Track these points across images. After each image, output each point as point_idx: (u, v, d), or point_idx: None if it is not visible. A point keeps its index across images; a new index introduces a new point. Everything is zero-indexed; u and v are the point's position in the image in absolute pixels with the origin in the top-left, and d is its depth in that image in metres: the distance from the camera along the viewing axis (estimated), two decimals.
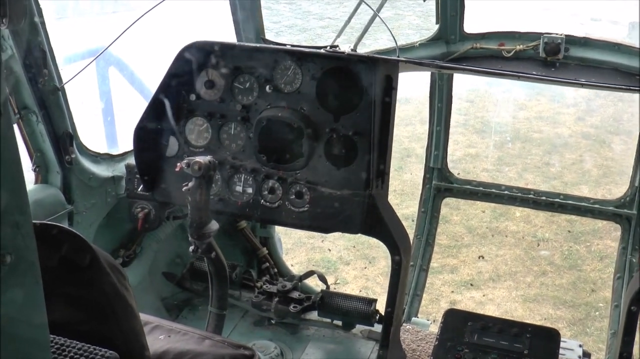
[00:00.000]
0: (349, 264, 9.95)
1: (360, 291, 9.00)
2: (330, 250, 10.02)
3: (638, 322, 4.24)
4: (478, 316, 4.55)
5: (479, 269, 10.14)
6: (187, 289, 5.39)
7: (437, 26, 5.24)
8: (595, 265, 10.31)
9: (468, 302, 9.39)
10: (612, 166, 12.46)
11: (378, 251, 9.96)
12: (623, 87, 4.87)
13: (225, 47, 4.44)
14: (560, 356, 4.37)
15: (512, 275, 10.11)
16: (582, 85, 4.71)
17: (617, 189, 11.59)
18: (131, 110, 7.12)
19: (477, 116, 12.39)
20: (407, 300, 5.90)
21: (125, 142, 5.18)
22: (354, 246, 10.06)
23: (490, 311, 9.11)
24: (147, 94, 5.90)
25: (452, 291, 9.46)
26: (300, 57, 4.33)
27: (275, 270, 5.52)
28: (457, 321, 4.48)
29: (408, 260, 4.79)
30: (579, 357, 5.26)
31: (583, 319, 9.25)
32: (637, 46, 5.01)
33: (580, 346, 5.43)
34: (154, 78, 4.75)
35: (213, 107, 4.49)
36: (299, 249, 9.88)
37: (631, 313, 4.21)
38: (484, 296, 9.59)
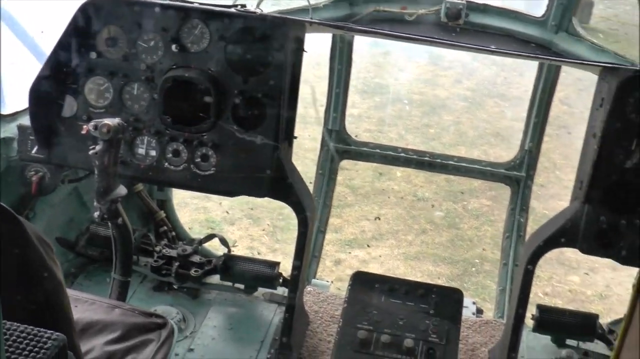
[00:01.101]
0: (233, 224, 9.87)
1: (246, 251, 8.96)
2: (220, 203, 9.90)
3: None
4: (385, 278, 4.58)
5: (362, 228, 10.28)
6: (82, 254, 5.16)
7: None
8: (472, 223, 10.65)
9: (352, 261, 9.52)
10: (487, 127, 12.89)
11: (262, 210, 9.93)
12: (527, 54, 4.96)
13: (128, 3, 4.21)
14: (458, 329, 4.44)
15: (394, 234, 10.31)
16: (492, 52, 4.76)
17: (492, 150, 12.05)
18: (21, 68, 6.73)
19: (359, 76, 12.46)
20: None
21: (15, 102, 4.82)
22: (238, 206, 9.97)
23: (374, 269, 9.26)
24: (40, 53, 5.54)
25: (337, 251, 9.54)
26: (209, 15, 4.16)
27: (174, 234, 5.36)
28: (365, 283, 4.50)
29: (314, 223, 4.76)
30: (474, 314, 5.43)
31: (461, 275, 9.57)
32: (534, 14, 5.11)
33: (473, 303, 5.62)
34: (49, 35, 4.45)
35: (115, 66, 4.26)
36: (182, 209, 9.69)
37: (528, 271, 4.34)
38: (367, 254, 9.74)
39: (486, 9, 5.09)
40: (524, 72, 13.90)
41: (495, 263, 9.45)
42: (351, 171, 10.86)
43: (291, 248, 9.04)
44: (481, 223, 10.63)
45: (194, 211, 9.81)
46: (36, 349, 1.94)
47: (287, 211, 9.56)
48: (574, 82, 12.11)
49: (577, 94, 12.81)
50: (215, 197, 9.89)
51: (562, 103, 9.67)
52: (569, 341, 4.90)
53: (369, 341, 4.15)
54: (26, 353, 1.92)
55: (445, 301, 4.43)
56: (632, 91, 3.88)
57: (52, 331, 2.03)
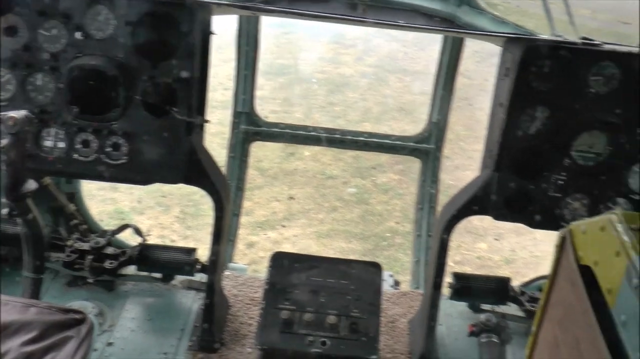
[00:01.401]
0: (143, 214, 9.73)
1: (158, 240, 8.84)
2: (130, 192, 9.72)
3: None
4: (305, 257, 4.59)
5: (273, 209, 10.31)
6: None
7: None
8: (381, 198, 10.83)
9: (265, 243, 9.54)
10: (391, 103, 13.06)
11: (172, 198, 9.81)
12: (433, 28, 5.02)
13: None
14: (380, 302, 4.49)
15: (305, 213, 10.39)
16: (400, 27, 4.80)
17: (397, 125, 12.22)
18: None
19: (262, 58, 12.49)
20: None
21: None
22: (147, 195, 9.82)
23: (287, 249, 9.29)
24: None
25: (249, 233, 9.54)
26: (113, 0, 4.04)
27: (85, 226, 5.20)
28: (284, 263, 4.50)
29: (229, 207, 4.72)
30: (391, 286, 5.51)
31: (373, 249, 9.74)
32: None
33: (390, 276, 5.70)
34: None
35: (16, 56, 4.09)
36: (88, 202, 9.50)
37: (443, 240, 4.43)
38: (280, 235, 9.78)
39: None
40: (424, 46, 14.18)
41: (405, 236, 9.65)
42: (259, 153, 10.84)
43: (202, 234, 9.01)
44: (390, 197, 10.81)
45: (100, 202, 9.60)
46: None
47: (197, 196, 9.60)
48: (472, 55, 12.38)
49: (476, 66, 13.12)
50: (122, 187, 9.73)
51: (462, 76, 9.84)
52: (484, 306, 5.03)
53: (292, 320, 4.16)
54: None
55: (364, 276, 4.47)
56: (535, 60, 3.99)
57: None
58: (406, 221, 9.95)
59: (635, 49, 4.09)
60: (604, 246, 1.80)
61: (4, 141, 3.65)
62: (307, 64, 14.10)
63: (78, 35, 4.03)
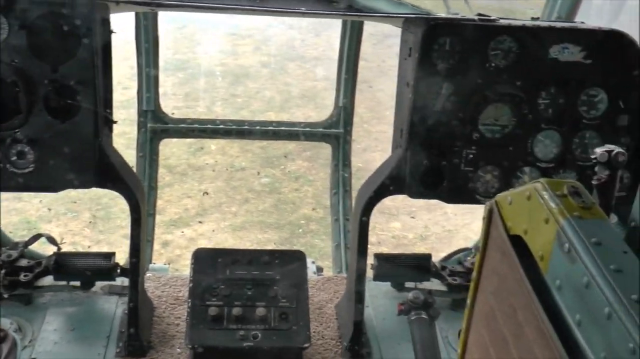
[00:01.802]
0: (51, 222, 9.49)
1: (70, 247, 8.63)
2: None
3: None
4: (227, 251, 4.56)
5: (184, 206, 10.23)
6: None
7: None
8: (292, 186, 10.87)
9: (180, 240, 9.47)
10: (292, 90, 13.09)
11: (81, 204, 9.60)
12: (335, 12, 5.03)
13: None
14: (307, 289, 4.52)
15: (217, 207, 10.35)
16: (301, 14, 4.79)
17: (300, 112, 12.25)
18: None
19: (160, 54, 12.41)
20: None
21: None
22: (55, 202, 9.57)
23: (203, 245, 9.24)
24: None
25: (163, 232, 9.43)
26: (5, 4, 3.90)
27: None
28: (207, 260, 4.46)
29: (145, 207, 4.64)
30: (314, 273, 5.53)
31: (289, 238, 9.78)
32: None
33: (313, 262, 5.73)
34: None
35: None
36: None
37: (363, 223, 4.47)
38: (194, 231, 9.71)
39: None
40: (320, 32, 14.25)
41: (320, 222, 9.71)
42: (165, 151, 10.70)
43: (115, 237, 8.82)
44: (301, 184, 10.87)
45: (4, 214, 9.29)
46: None
47: (106, 199, 9.40)
48: (368, 38, 12.48)
49: (373, 48, 13.24)
50: (27, 196, 9.45)
51: (360, 59, 10.00)
52: (408, 284, 5.10)
53: (221, 316, 4.14)
54: None
55: (289, 265, 4.48)
56: (436, 38, 4.07)
57: None
58: (319, 207, 10.03)
59: (528, 23, 4.23)
60: (532, 215, 1.85)
61: None
62: (206, 58, 14.00)
63: None
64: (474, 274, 2.17)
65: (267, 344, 4.04)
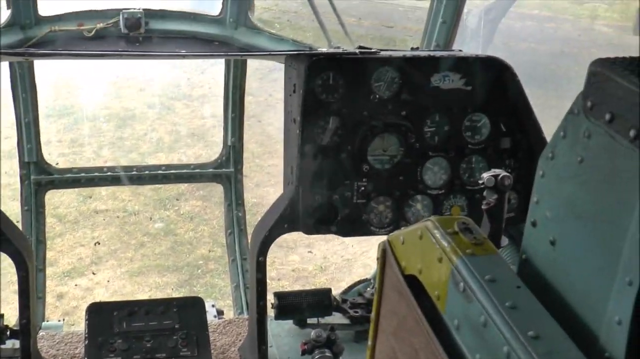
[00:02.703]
0: None
1: None
2: None
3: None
4: (122, 304, 4.40)
5: (78, 255, 9.95)
6: None
7: (9, 12, 4.81)
8: (187, 226, 10.74)
9: (75, 291, 9.19)
10: (181, 130, 12.97)
11: None
12: (214, 54, 5.00)
13: None
14: (208, 341, 4.41)
15: (112, 254, 10.11)
16: (181, 57, 4.73)
17: (191, 151, 12.14)
18: None
19: (40, 99, 12.23)
20: None
21: None
22: None
23: (101, 294, 9.01)
24: None
25: (57, 284, 9.13)
26: None
27: None
28: (102, 314, 4.28)
29: (33, 263, 4.43)
30: (215, 316, 5.40)
31: (188, 279, 9.63)
32: (211, 14, 5.15)
33: (212, 306, 5.60)
34: None
35: None
36: None
37: (260, 263, 4.40)
38: (90, 281, 9.43)
39: (164, 15, 5.03)
40: (205, 69, 14.17)
41: (218, 260, 9.59)
42: (54, 199, 10.40)
43: (5, 294, 8.42)
44: (196, 224, 10.76)
45: None
46: None
47: None
48: (254, 73, 12.54)
49: (259, 82, 13.30)
50: None
51: (247, 94, 10.02)
52: (310, 320, 5.05)
53: None
54: None
55: (187, 312, 4.35)
56: (319, 73, 4.07)
57: None
58: (216, 245, 9.92)
59: (408, 53, 4.30)
60: (425, 254, 1.83)
61: None
62: (89, 102, 13.71)
63: None
64: (373, 314, 2.13)
65: None
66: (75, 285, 9.29)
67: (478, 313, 1.58)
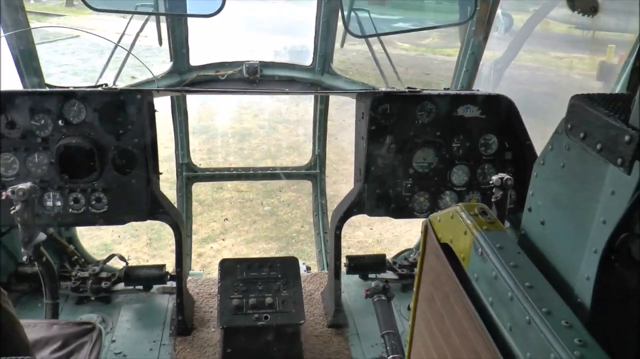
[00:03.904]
0: (121, 244, 9.37)
1: (135, 261, 8.54)
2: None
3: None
4: (244, 260, 4.49)
5: (211, 228, 10.12)
6: (15, 291, 4.64)
7: (171, 63, 5.00)
8: (285, 210, 10.79)
9: (210, 252, 9.35)
10: (282, 144, 13.04)
11: (139, 229, 9.47)
12: (307, 92, 5.09)
13: (19, 94, 3.86)
14: (301, 283, 4.43)
15: (234, 227, 10.25)
16: (284, 93, 4.82)
17: (289, 158, 12.21)
18: None
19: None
20: None
21: None
22: (122, 229, 9.42)
23: (227, 254, 9.17)
24: None
25: (197, 247, 9.33)
26: (82, 95, 3.90)
27: (83, 260, 4.96)
28: (230, 266, 4.38)
29: (185, 232, 4.60)
30: (305, 271, 5.47)
31: (285, 246, 9.70)
32: (305, 64, 5.22)
33: (303, 263, 5.65)
34: None
35: (17, 143, 3.89)
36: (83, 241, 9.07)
37: (336, 236, 4.47)
38: (219, 245, 9.61)
39: (274, 65, 5.13)
40: (299, 103, 14.24)
41: (306, 234, 9.65)
42: (196, 190, 10.61)
43: (165, 253, 8.68)
44: (292, 209, 10.80)
45: (88, 239, 9.15)
46: None
47: (157, 226, 9.27)
48: (332, 104, 12.65)
49: (336, 111, 13.27)
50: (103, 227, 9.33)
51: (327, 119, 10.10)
52: (371, 275, 5.09)
53: (241, 305, 4.08)
54: None
55: (287, 267, 4.41)
56: (380, 105, 4.13)
57: (14, 356, 1.83)
58: (305, 223, 9.97)
59: (442, 92, 4.30)
60: (454, 229, 1.87)
61: (17, 207, 3.45)
62: (221, 124, 13.92)
63: (60, 122, 3.89)
64: (417, 269, 2.17)
65: (274, 322, 3.99)
66: (210, 247, 9.47)
67: (491, 269, 1.61)
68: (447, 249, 1.91)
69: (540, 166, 1.73)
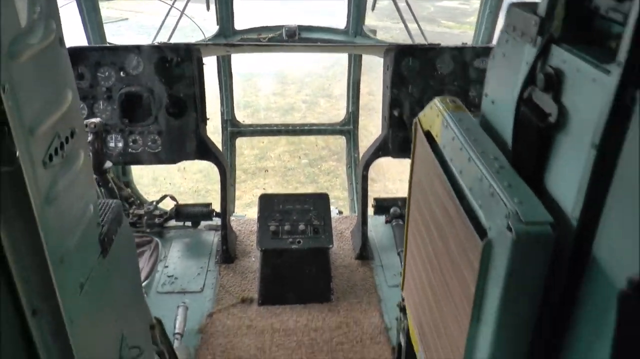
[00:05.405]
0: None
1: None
2: None
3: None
4: (280, 195, 5.03)
5: (254, 194, 10.72)
6: None
7: (217, 27, 5.59)
8: (325, 178, 11.32)
9: (253, 215, 9.90)
10: (323, 118, 13.51)
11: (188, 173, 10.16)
12: (342, 45, 5.58)
13: (87, 49, 4.55)
14: (330, 214, 4.93)
15: None
16: (319, 49, 5.32)
17: None
18: None
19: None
20: None
21: None
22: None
23: None
24: None
25: (241, 211, 9.92)
26: (140, 51, 4.54)
27: (139, 202, 5.64)
28: (268, 200, 4.94)
29: (228, 174, 5.20)
30: (337, 214, 6.00)
31: None
32: (340, 27, 5.72)
33: (336, 208, 6.20)
34: None
35: (85, 92, 4.57)
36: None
37: (364, 176, 4.96)
38: None
39: (311, 28, 5.63)
40: (340, 79, 14.71)
41: (345, 200, 10.14)
42: (239, 158, 11.25)
43: (213, 195, 9.31)
44: (331, 177, 11.31)
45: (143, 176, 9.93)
46: None
47: (207, 171, 9.92)
48: (374, 81, 13.04)
49: (378, 88, 13.66)
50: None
51: (368, 94, 10.49)
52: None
53: (278, 231, 4.64)
54: None
55: (318, 201, 4.93)
56: (402, 58, 4.62)
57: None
58: (343, 187, 10.44)
59: (459, 46, 4.76)
60: (433, 116, 2.41)
61: (90, 137, 4.15)
62: (264, 98, 14.49)
63: (122, 74, 4.54)
64: (411, 159, 2.68)
65: (306, 246, 4.51)
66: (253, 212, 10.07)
67: (453, 137, 2.13)
68: (429, 139, 2.44)
69: (492, 59, 2.26)
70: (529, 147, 1.86)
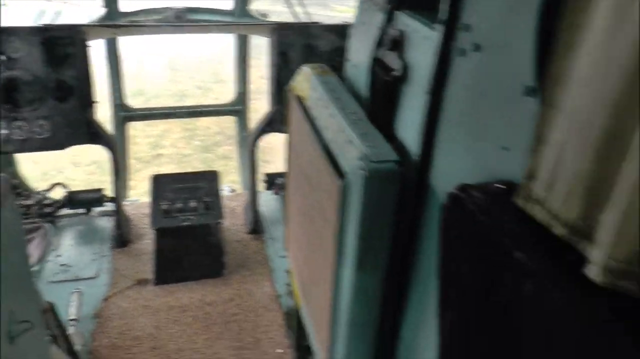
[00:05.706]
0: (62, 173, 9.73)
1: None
2: None
3: None
4: (171, 174, 5.12)
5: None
6: None
7: (104, 10, 5.48)
8: (221, 163, 11.31)
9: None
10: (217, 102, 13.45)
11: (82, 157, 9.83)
12: (224, 24, 5.64)
13: None
14: (220, 190, 5.11)
15: None
16: (206, 30, 5.37)
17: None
18: None
19: None
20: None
21: None
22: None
23: None
24: None
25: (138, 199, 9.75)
26: (21, 32, 4.39)
27: (27, 192, 5.46)
28: (160, 181, 5.02)
29: (118, 155, 5.16)
30: (230, 192, 6.13)
31: None
32: (226, 9, 5.78)
33: (228, 186, 6.31)
34: None
35: None
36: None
37: (252, 152, 5.13)
38: None
39: (198, 10, 5.64)
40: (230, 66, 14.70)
41: (238, 175, 10.22)
42: (134, 147, 11.02)
43: (109, 185, 9.09)
44: (227, 161, 11.33)
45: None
46: None
47: (101, 162, 9.62)
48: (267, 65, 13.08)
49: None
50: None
51: (262, 78, 10.60)
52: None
53: (170, 209, 4.75)
54: None
55: (208, 178, 5.07)
56: (285, 37, 4.79)
57: None
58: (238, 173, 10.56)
59: (340, 24, 4.99)
60: (303, 81, 2.63)
61: None
62: (157, 86, 14.16)
63: (2, 57, 4.38)
64: (287, 125, 2.90)
65: (197, 222, 4.65)
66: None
67: (319, 97, 2.36)
68: (301, 102, 2.65)
69: (353, 28, 2.50)
70: (381, 100, 2.11)
